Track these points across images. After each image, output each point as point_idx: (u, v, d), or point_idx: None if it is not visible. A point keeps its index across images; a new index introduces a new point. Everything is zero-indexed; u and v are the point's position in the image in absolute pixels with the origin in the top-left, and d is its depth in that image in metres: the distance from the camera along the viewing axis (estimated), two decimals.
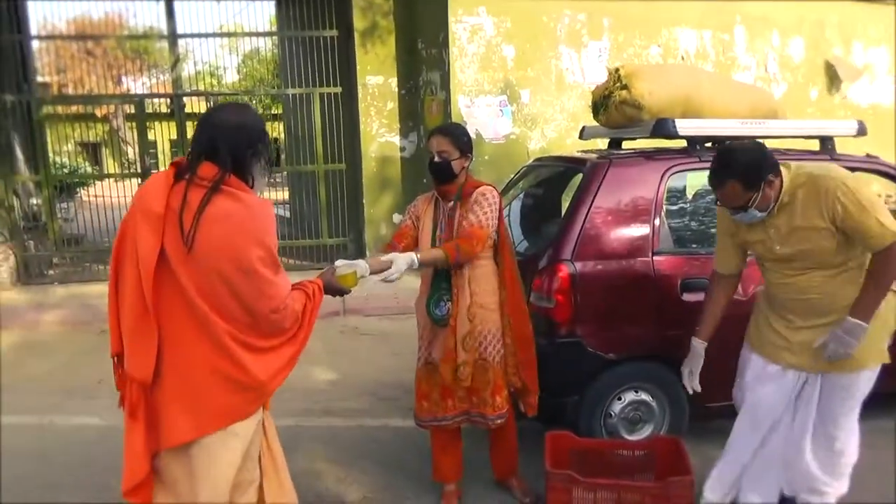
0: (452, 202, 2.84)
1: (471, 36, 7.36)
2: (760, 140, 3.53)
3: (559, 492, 2.66)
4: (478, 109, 7.39)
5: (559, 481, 2.67)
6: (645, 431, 3.28)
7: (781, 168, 2.40)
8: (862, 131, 3.54)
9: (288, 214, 11.13)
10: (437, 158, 2.78)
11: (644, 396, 3.26)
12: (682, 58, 8.78)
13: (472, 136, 3.08)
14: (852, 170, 3.70)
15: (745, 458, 2.69)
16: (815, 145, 3.61)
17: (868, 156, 3.60)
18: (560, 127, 7.85)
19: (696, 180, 3.99)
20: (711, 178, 2.44)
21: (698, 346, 2.73)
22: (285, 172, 10.92)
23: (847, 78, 10.17)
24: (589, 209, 3.17)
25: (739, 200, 2.37)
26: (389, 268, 2.50)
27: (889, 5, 10.68)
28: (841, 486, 2.67)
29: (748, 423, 2.67)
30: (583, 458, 2.94)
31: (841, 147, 3.62)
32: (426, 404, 2.91)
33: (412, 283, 3.20)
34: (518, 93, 7.68)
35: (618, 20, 8.16)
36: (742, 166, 2.33)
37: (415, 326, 3.03)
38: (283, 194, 11.66)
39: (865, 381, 2.51)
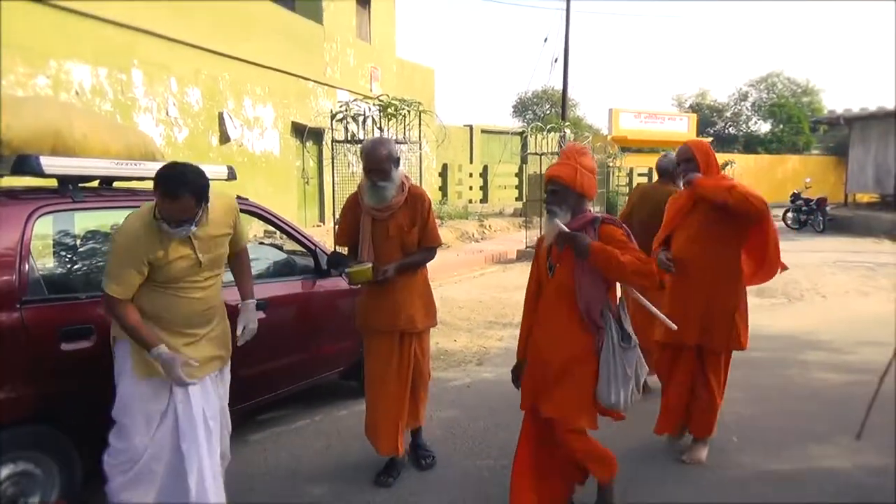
0: None
1: None
2: (138, 179, 3.62)
3: None
4: None
5: None
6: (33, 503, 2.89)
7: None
8: (232, 176, 3.95)
9: None
10: None
11: (24, 466, 2.86)
12: (77, 93, 8.32)
13: None
14: None
15: None
16: None
17: (239, 198, 4.05)
18: None
19: (85, 222, 3.80)
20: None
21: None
22: None
23: (231, 135, 11.42)
24: None
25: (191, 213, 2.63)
26: None
27: (274, 70, 12.47)
28: None
29: None
30: None
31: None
32: None
33: None
34: None
35: None
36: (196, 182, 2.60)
37: None
38: None
39: None
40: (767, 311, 7.89)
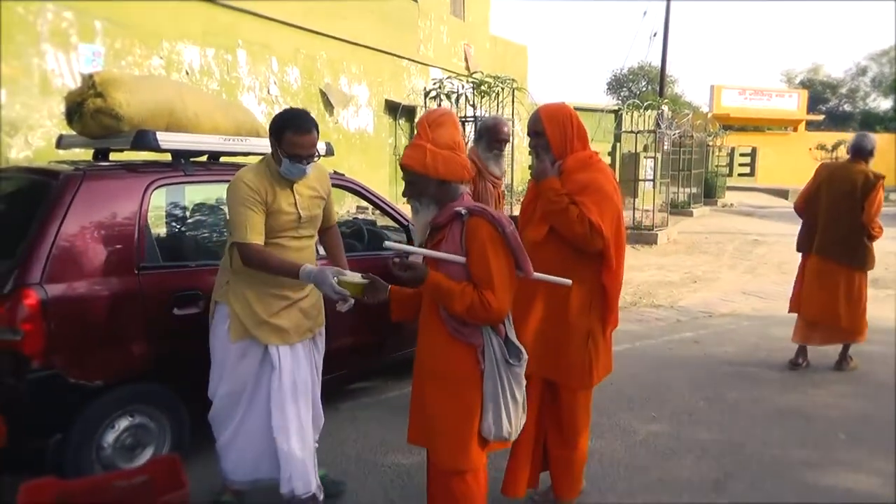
0: None
1: None
2: (244, 154, 3.80)
3: None
4: None
5: None
6: (146, 455, 3.13)
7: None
8: (330, 152, 4.05)
9: None
10: None
11: (140, 420, 3.10)
12: (187, 73, 8.77)
13: None
14: None
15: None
16: None
17: (335, 173, 4.17)
18: (50, 134, 6.97)
19: (194, 194, 4.03)
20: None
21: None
22: None
23: (338, 104, 11.67)
24: (60, 226, 2.87)
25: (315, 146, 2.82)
26: None
27: (369, 49, 12.66)
28: None
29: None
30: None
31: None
32: None
33: None
34: None
35: (113, 25, 7.68)
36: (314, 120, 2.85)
37: None
38: None
39: None
40: (881, 303, 7.35)
